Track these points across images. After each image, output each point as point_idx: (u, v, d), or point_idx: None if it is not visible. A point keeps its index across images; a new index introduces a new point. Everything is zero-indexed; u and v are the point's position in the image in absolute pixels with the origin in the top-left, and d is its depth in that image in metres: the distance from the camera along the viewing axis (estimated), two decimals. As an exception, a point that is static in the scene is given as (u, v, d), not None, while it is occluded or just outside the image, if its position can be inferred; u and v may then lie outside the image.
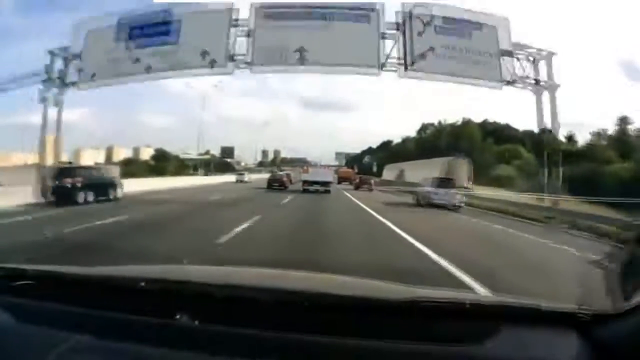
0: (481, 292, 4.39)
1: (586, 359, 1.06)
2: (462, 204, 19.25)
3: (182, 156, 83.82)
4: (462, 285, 4.79)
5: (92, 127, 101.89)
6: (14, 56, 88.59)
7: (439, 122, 67.24)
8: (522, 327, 1.15)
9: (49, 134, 18.13)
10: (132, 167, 49.17)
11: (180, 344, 1.07)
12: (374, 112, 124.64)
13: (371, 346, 1.06)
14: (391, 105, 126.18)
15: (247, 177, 41.85)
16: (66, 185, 14.79)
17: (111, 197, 16.59)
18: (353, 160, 79.87)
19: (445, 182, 20.15)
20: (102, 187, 16.24)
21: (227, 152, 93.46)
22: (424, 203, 19.10)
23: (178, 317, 1.14)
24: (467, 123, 58.58)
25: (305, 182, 25.99)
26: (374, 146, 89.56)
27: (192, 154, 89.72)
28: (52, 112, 17.91)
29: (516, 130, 55.29)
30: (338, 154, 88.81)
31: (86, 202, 14.97)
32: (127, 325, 1.15)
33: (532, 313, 1.20)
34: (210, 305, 1.19)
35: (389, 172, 48.50)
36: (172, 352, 1.06)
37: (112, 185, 17.14)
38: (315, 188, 24.71)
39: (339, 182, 39.15)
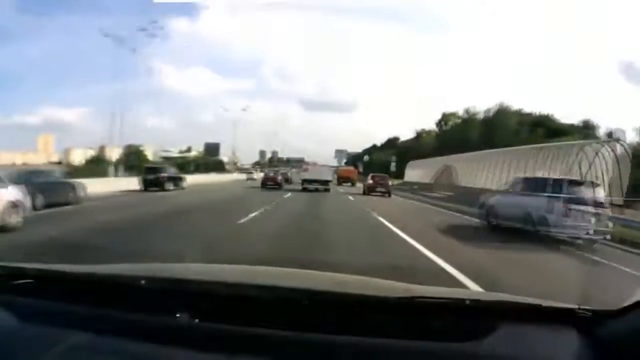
0: (478, 290, 4.12)
1: (586, 356, 1.05)
2: (607, 237, 9.05)
3: (161, 154, 76.99)
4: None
5: (89, 126, 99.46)
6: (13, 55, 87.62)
7: (466, 111, 55.02)
8: (521, 325, 1.12)
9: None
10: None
11: (180, 342, 1.07)
12: (376, 109, 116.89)
13: (369, 343, 1.05)
14: (395, 100, 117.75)
15: (255, 175, 46.41)
16: (160, 178, 21.70)
17: (181, 187, 23.24)
18: (355, 158, 71.14)
19: (581, 188, 9.77)
20: (176, 180, 23.40)
21: (212, 148, 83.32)
22: (525, 227, 9.46)
23: (178, 315, 1.12)
24: (504, 110, 47.19)
25: (304, 180, 26.44)
26: (379, 144, 79.63)
27: (173, 151, 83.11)
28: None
29: (558, 122, 45.28)
30: (338, 152, 79.82)
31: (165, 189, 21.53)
32: (128, 323, 1.15)
33: (532, 311, 1.17)
34: (211, 303, 1.19)
35: (416, 172, 37.89)
36: (173, 350, 1.05)
37: (182, 179, 24.40)
38: (315, 187, 25.25)
39: (339, 183, 34.71)
